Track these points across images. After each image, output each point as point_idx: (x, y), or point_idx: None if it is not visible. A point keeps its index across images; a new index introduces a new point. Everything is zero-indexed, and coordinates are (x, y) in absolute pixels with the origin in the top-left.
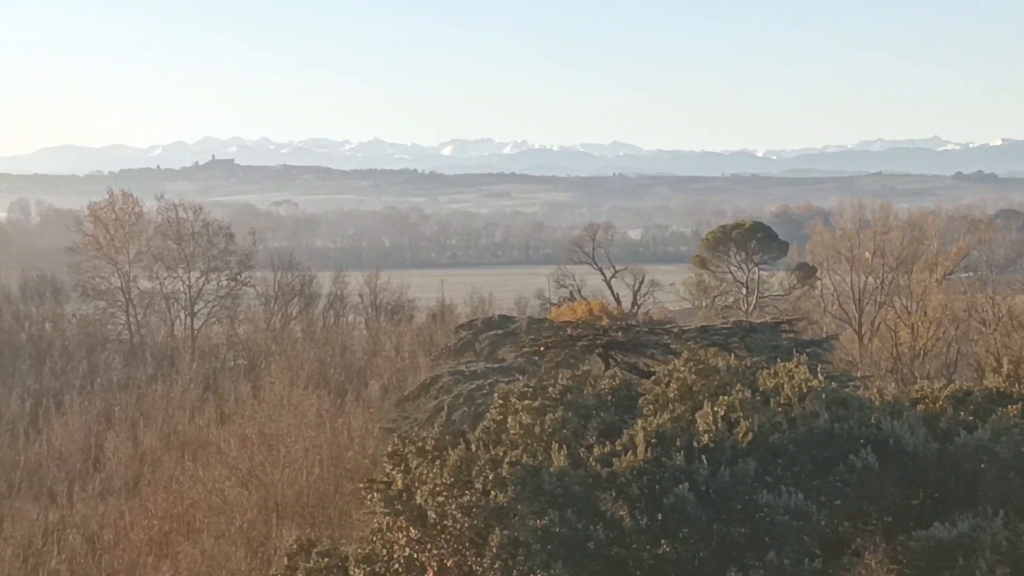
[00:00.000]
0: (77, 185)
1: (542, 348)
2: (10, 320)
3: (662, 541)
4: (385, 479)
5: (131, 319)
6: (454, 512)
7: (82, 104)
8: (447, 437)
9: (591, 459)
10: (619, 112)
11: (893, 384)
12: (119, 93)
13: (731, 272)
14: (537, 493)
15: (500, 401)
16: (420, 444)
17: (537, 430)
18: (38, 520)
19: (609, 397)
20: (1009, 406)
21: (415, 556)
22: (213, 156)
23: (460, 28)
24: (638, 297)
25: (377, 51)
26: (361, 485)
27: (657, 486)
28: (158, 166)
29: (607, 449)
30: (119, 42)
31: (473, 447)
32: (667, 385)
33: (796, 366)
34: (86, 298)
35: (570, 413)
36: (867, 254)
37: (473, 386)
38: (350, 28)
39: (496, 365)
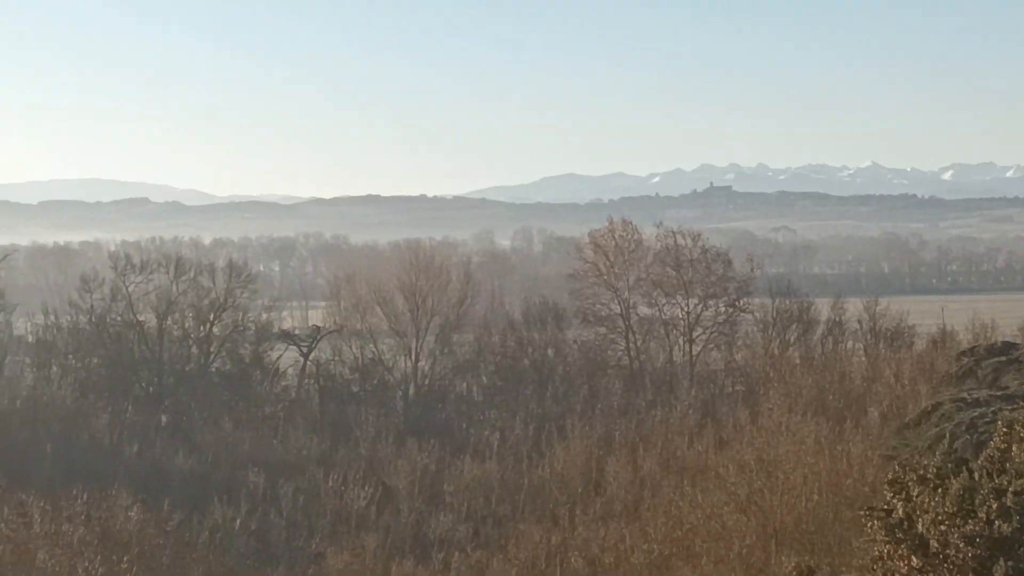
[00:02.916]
0: (578, 213)
1: None
2: (514, 346)
3: None
4: (885, 507)
5: (631, 345)
6: (957, 541)
7: (584, 134)
8: (949, 465)
9: None
10: None
11: None
12: (620, 123)
13: None
14: None
15: (1004, 429)
16: (921, 472)
17: None
18: (541, 542)
19: None
20: None
21: None
22: (711, 183)
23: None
24: None
25: (870, 75)
26: (861, 513)
27: None
28: (656, 193)
29: None
30: (623, 74)
31: (976, 476)
32: None
33: None
34: (587, 324)
35: None
36: None
37: (976, 414)
38: (839, 53)
39: (999, 392)
